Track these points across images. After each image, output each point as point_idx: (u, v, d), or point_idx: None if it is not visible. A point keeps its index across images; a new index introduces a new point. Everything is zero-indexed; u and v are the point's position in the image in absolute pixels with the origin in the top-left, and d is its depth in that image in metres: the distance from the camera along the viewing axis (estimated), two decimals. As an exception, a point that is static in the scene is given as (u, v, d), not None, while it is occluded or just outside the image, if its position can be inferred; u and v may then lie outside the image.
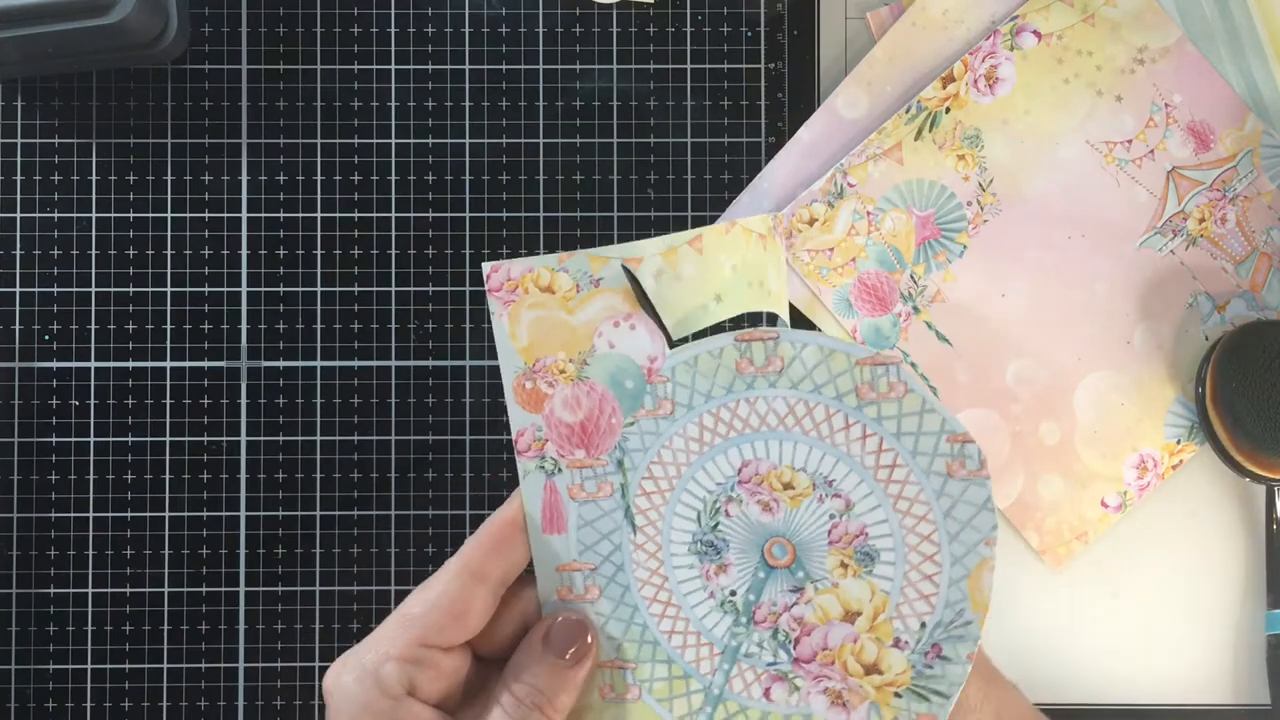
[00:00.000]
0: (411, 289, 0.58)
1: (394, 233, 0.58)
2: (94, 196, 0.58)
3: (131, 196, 0.58)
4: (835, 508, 0.42)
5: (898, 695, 0.41)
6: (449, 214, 0.58)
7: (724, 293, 0.44)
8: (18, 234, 0.58)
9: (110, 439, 0.57)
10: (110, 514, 0.57)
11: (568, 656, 0.42)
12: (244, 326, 0.58)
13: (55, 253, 0.58)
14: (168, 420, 0.57)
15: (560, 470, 0.43)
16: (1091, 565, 0.58)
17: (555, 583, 0.43)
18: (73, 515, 0.57)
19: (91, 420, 0.57)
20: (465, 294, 0.58)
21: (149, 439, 0.57)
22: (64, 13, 0.52)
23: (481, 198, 0.58)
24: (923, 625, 0.41)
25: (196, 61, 0.58)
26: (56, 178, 0.58)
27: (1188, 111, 0.57)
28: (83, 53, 0.55)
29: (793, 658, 0.42)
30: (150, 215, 0.58)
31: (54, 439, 0.57)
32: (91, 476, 0.57)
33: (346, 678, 0.41)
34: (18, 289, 0.58)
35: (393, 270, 0.58)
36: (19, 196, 0.58)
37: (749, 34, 0.58)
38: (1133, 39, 0.57)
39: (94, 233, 0.58)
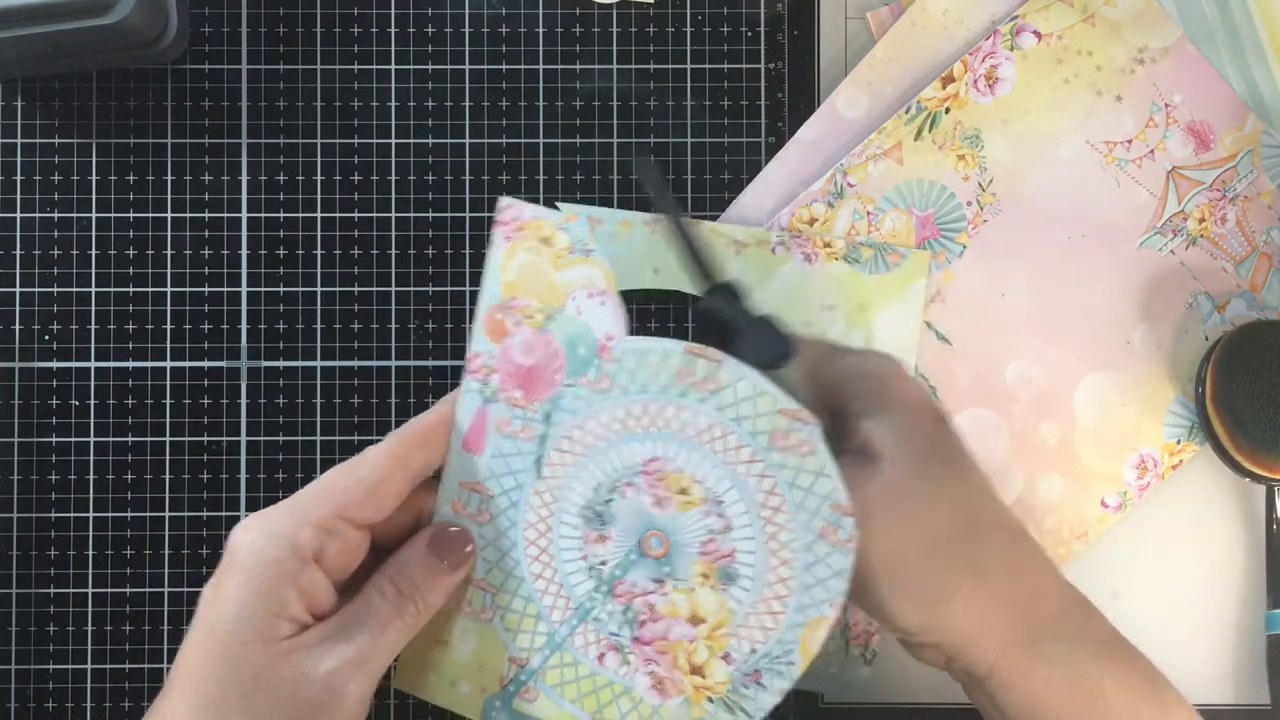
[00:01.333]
0: (411, 289, 0.58)
1: (394, 233, 0.58)
2: (94, 196, 0.58)
3: (131, 196, 0.58)
4: (716, 525, 0.46)
5: (710, 700, 0.46)
6: (449, 214, 0.58)
7: (662, 268, 0.50)
8: (18, 234, 0.58)
9: (110, 439, 0.57)
10: (110, 514, 0.57)
11: (447, 562, 0.47)
12: (244, 326, 0.58)
13: (55, 253, 0.58)
14: (168, 420, 0.57)
15: (496, 401, 0.48)
16: (1091, 565, 0.58)
17: (455, 495, 0.48)
18: (73, 515, 0.57)
19: (91, 420, 0.57)
20: (465, 294, 0.58)
21: (149, 439, 0.57)
22: (64, 13, 0.52)
23: (481, 198, 0.58)
24: (753, 651, 0.46)
25: (196, 61, 0.58)
26: (56, 178, 0.58)
27: (1188, 111, 0.57)
28: (83, 53, 0.55)
29: (634, 636, 0.47)
30: (150, 215, 0.58)
31: (54, 439, 0.57)
32: (91, 476, 0.57)
33: (257, 536, 0.44)
34: (18, 289, 0.58)
35: (393, 270, 0.58)
36: (19, 196, 0.58)
37: (749, 34, 0.58)
38: (1133, 39, 0.57)
39: (94, 233, 0.58)
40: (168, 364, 0.58)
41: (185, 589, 0.57)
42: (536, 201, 0.58)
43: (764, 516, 0.45)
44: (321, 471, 0.57)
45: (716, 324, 0.45)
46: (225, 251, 0.58)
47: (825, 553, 0.44)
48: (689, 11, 0.58)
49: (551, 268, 0.48)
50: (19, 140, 0.58)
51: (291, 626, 0.44)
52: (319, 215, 0.58)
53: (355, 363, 0.58)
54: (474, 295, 0.58)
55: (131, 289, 0.58)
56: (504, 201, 0.48)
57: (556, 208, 0.49)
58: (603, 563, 0.47)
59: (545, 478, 0.47)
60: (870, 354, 0.48)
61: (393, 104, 0.58)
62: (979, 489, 0.46)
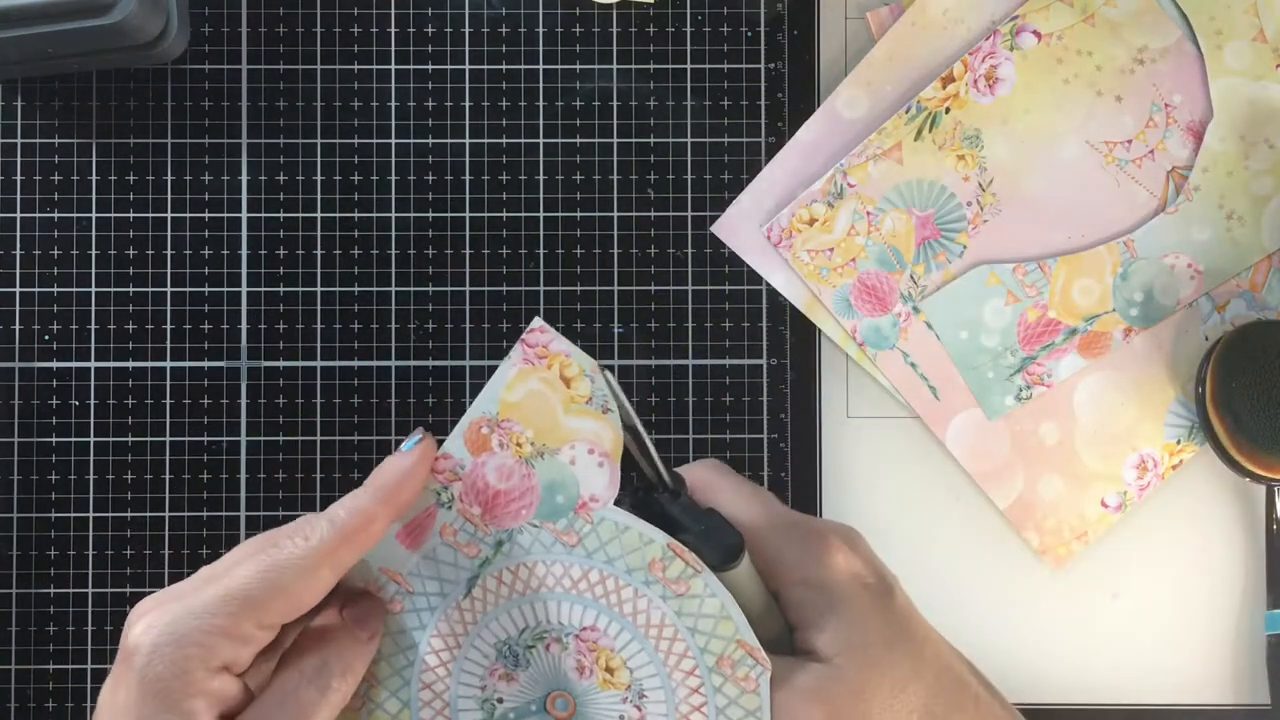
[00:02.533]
0: (411, 289, 0.58)
1: (394, 233, 0.58)
2: (94, 196, 0.58)
3: (131, 196, 0.58)
4: (630, 715, 0.44)
5: None
6: (449, 214, 0.58)
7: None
8: (18, 234, 0.58)
9: (110, 439, 0.57)
10: (110, 514, 0.57)
11: (365, 631, 0.43)
12: (244, 326, 0.58)
13: (55, 253, 0.58)
14: (168, 420, 0.57)
15: (450, 508, 0.44)
16: (1091, 565, 0.58)
17: (372, 577, 0.44)
18: (73, 515, 0.57)
19: (91, 420, 0.57)
20: (465, 294, 0.58)
21: (149, 439, 0.57)
22: (64, 13, 0.52)
23: (481, 198, 0.58)
24: None
25: (196, 61, 0.58)
26: (56, 178, 0.58)
27: (1188, 111, 0.57)
28: (83, 53, 0.55)
29: None
30: (150, 215, 0.58)
31: (54, 439, 0.57)
32: (91, 476, 0.57)
33: (158, 639, 0.39)
34: (18, 289, 0.58)
35: (393, 270, 0.58)
36: (19, 196, 0.58)
37: (749, 34, 0.58)
38: (1133, 39, 0.57)
39: (94, 233, 0.58)
40: (168, 364, 0.58)
41: (185, 589, 0.57)
42: (536, 203, 0.58)
43: None
44: (320, 471, 0.58)
45: (659, 520, 0.43)
46: (225, 251, 0.58)
47: None
48: (689, 11, 0.58)
49: (561, 409, 0.44)
50: (19, 140, 0.58)
51: None
52: (319, 215, 0.58)
53: (355, 363, 0.58)
54: (473, 295, 0.58)
55: (131, 289, 0.58)
56: (537, 323, 0.44)
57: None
58: (500, 700, 0.44)
59: (473, 597, 0.44)
60: (811, 529, 0.45)
61: (393, 104, 0.58)
62: (939, 668, 0.44)
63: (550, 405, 0.44)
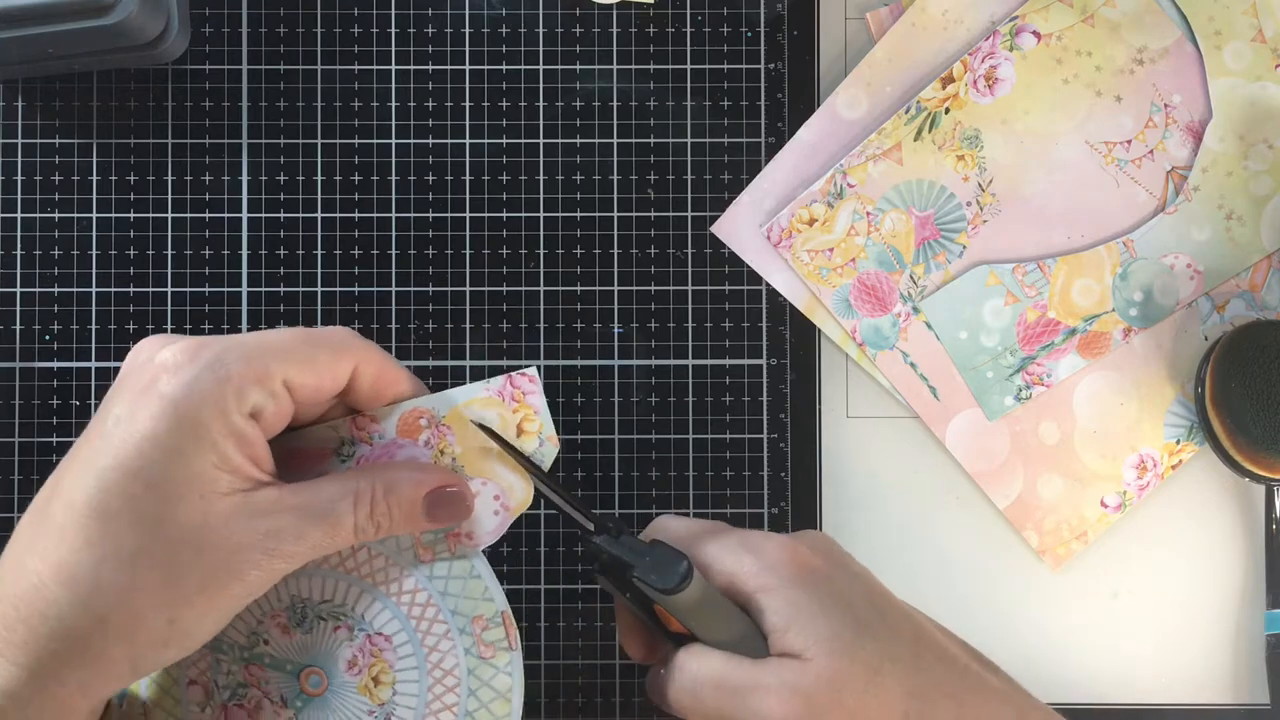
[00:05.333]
0: (411, 289, 0.58)
1: (394, 233, 0.58)
2: (94, 196, 0.58)
3: (131, 196, 0.58)
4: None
5: None
6: (449, 214, 0.58)
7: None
8: (18, 234, 0.58)
9: (110, 439, 0.57)
10: (110, 514, 0.57)
11: (428, 518, 0.43)
12: (244, 326, 0.58)
13: (55, 253, 0.58)
14: (168, 420, 0.57)
15: (344, 464, 0.45)
16: (1091, 565, 0.58)
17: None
18: (73, 515, 0.57)
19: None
20: (465, 294, 0.58)
21: (149, 439, 0.57)
22: (64, 13, 0.52)
23: (481, 198, 0.58)
24: None
25: (196, 61, 0.58)
26: (56, 178, 0.58)
27: (1187, 112, 0.57)
28: (83, 53, 0.55)
29: (224, 702, 0.45)
30: (150, 215, 0.58)
31: (54, 439, 0.57)
32: (91, 476, 0.57)
33: (195, 370, 0.39)
34: (18, 289, 0.58)
35: (393, 270, 0.58)
36: (19, 196, 0.58)
37: (749, 34, 0.58)
38: (1132, 39, 0.57)
39: (94, 233, 0.58)
40: (168, 364, 0.58)
41: (185, 589, 0.57)
42: (536, 203, 0.58)
43: (434, 710, 0.44)
44: (321, 471, 0.57)
45: (609, 562, 0.44)
46: (225, 251, 0.58)
47: None
48: (689, 12, 0.58)
49: (498, 449, 0.45)
50: (19, 140, 0.58)
51: (231, 481, 0.39)
52: (319, 215, 0.58)
53: (355, 363, 0.58)
54: (474, 295, 0.58)
55: (131, 289, 0.58)
56: (531, 371, 0.45)
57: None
58: (266, 641, 0.44)
59: (323, 561, 0.45)
60: (762, 538, 0.45)
61: (393, 104, 0.58)
62: (919, 648, 0.44)
63: (491, 444, 0.45)
